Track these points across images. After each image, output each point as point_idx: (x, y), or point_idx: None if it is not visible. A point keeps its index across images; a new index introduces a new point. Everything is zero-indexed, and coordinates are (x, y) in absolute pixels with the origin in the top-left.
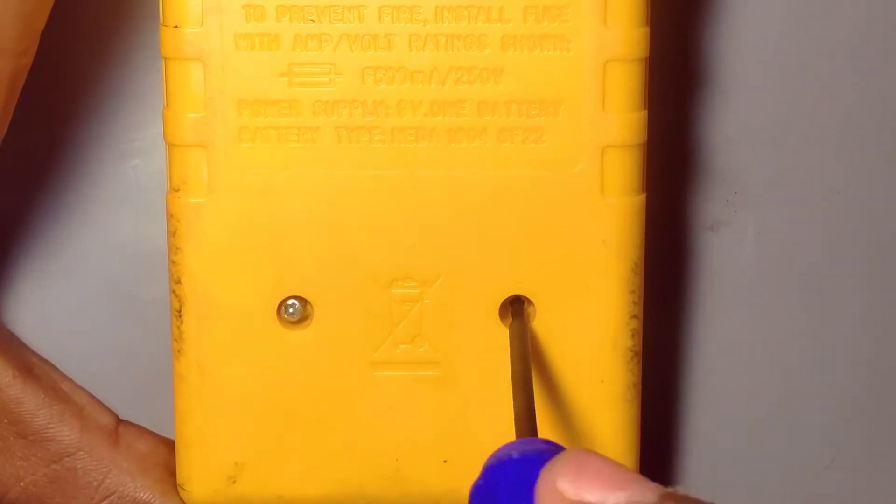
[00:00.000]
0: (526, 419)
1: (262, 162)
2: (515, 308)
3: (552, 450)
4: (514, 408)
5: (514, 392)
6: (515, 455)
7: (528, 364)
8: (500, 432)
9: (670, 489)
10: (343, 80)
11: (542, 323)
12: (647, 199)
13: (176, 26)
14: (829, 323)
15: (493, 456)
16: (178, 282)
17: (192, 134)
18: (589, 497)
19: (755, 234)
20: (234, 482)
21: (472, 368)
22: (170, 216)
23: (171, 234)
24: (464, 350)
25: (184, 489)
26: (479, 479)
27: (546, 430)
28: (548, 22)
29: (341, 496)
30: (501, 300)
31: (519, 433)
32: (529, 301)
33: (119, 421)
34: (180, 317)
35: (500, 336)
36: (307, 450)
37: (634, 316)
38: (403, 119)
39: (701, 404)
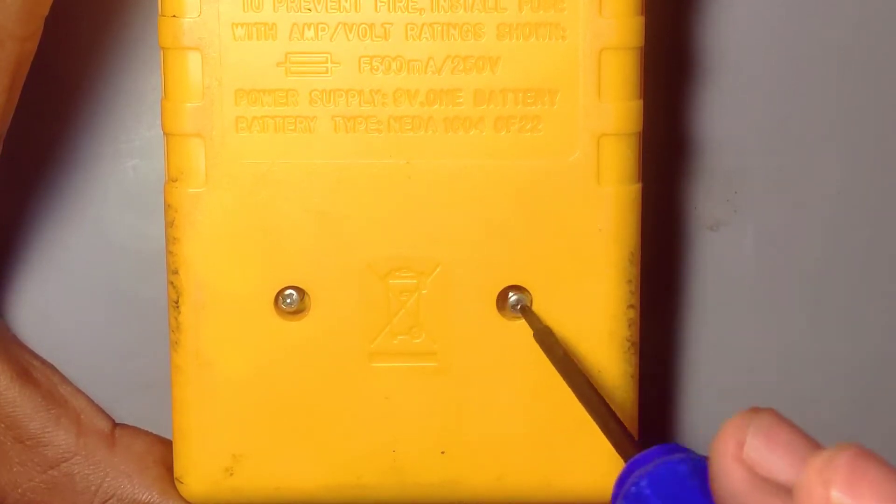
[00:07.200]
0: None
1: (260, 151)
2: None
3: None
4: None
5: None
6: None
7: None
8: (498, 423)
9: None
10: (340, 70)
11: (540, 312)
12: (648, 199)
13: (174, 16)
14: (827, 323)
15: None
16: (176, 272)
17: (189, 123)
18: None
19: (755, 234)
20: (231, 474)
21: (469, 359)
22: (167, 206)
23: (169, 224)
24: (461, 340)
25: (181, 482)
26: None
27: (544, 418)
28: (543, 11)
29: (339, 487)
30: (499, 290)
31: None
32: (527, 291)
33: (115, 425)
34: (178, 307)
35: (497, 326)
36: (305, 441)
37: (631, 306)
38: (400, 108)
39: (700, 403)
